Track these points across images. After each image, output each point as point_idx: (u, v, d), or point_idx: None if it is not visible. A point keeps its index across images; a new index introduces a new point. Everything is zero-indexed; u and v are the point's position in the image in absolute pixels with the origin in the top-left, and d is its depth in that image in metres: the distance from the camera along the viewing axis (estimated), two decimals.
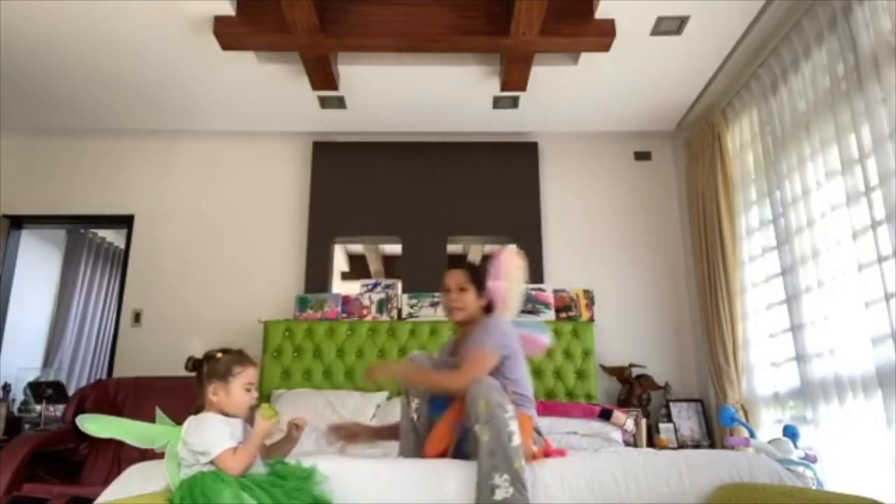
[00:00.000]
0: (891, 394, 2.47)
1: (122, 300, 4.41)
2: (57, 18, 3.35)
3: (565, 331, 4.04)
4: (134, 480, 1.84)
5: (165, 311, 4.33)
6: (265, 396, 3.76)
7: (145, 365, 4.05)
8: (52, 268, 5.97)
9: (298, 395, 3.77)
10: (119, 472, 2.05)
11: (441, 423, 2.16)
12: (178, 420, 1.82)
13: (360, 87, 4.04)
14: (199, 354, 1.90)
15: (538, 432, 2.20)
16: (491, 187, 4.52)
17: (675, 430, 3.91)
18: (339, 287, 4.56)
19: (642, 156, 4.67)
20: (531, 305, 4.07)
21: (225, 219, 4.52)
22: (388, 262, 6.00)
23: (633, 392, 3.97)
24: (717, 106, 4.09)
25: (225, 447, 1.72)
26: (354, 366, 3.99)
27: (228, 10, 3.31)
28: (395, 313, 4.18)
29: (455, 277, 2.41)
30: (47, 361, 5.71)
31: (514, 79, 3.84)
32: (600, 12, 3.32)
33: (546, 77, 3.90)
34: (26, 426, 4.42)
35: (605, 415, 3.56)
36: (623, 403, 3.94)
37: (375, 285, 4.27)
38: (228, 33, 3.38)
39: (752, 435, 3.26)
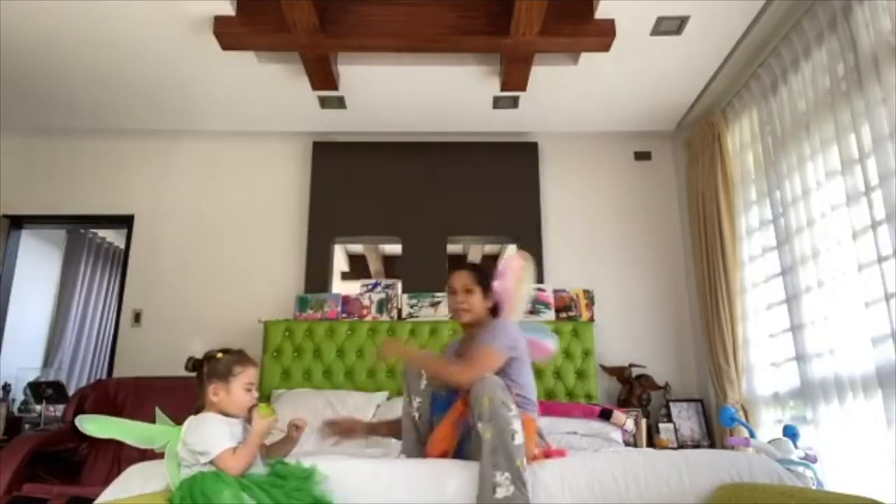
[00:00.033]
0: (891, 394, 2.47)
1: (122, 300, 4.41)
2: (57, 18, 3.35)
3: (565, 331, 4.04)
4: (134, 480, 1.84)
5: (165, 311, 4.33)
6: (265, 396, 3.76)
7: (145, 365, 4.05)
8: (52, 268, 5.96)
9: (298, 395, 3.77)
10: (119, 472, 2.05)
11: (443, 423, 2.17)
12: (178, 420, 1.82)
13: (360, 87, 4.04)
14: (199, 354, 1.91)
15: (541, 436, 2.20)
16: (491, 187, 4.52)
17: (675, 430, 3.91)
18: (339, 287, 4.56)
19: (642, 156, 4.67)
20: (531, 305, 4.07)
21: (225, 219, 4.52)
22: (388, 262, 6.00)
23: (633, 392, 3.97)
24: (717, 106, 4.09)
25: (225, 447, 1.72)
26: (354, 366, 3.99)
27: (228, 10, 3.31)
28: (395, 313, 4.18)
29: (461, 279, 2.41)
30: (47, 361, 5.71)
31: (514, 79, 3.84)
32: (600, 12, 3.32)
33: (546, 77, 3.90)
34: (26, 426, 4.42)
35: (605, 415, 3.56)
36: (623, 403, 3.94)
37: (375, 285, 4.27)
38: (228, 33, 3.38)
39: (752, 435, 3.26)
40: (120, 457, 3.44)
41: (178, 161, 4.64)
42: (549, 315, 4.10)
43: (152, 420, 1.84)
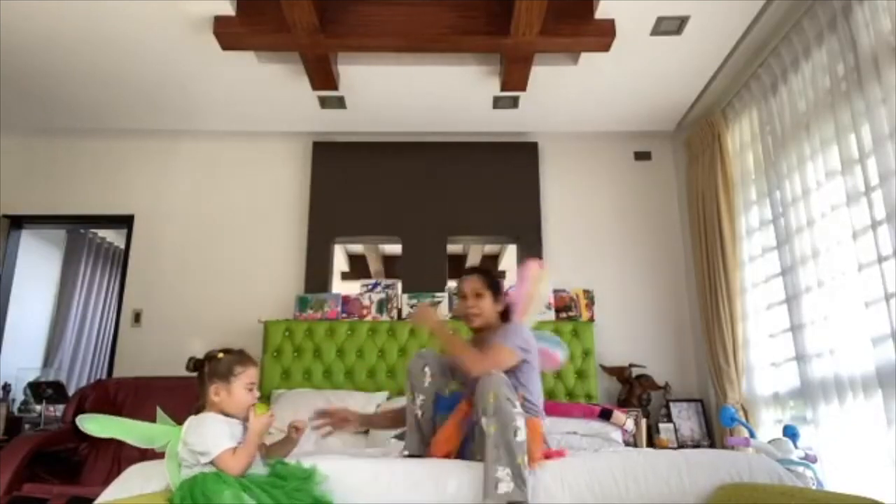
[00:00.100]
0: (891, 394, 2.47)
1: (122, 300, 4.41)
2: (57, 18, 3.34)
3: (565, 331, 4.04)
4: (134, 480, 1.84)
5: (165, 311, 4.33)
6: (265, 396, 3.76)
7: (145, 365, 4.05)
8: (52, 268, 5.96)
9: (298, 395, 3.77)
10: (119, 472, 2.05)
11: (447, 425, 2.17)
12: (179, 420, 1.82)
13: (360, 87, 4.03)
14: (199, 354, 1.91)
15: (545, 442, 2.21)
16: (491, 187, 4.51)
17: (675, 430, 3.91)
18: (339, 287, 4.56)
19: (642, 156, 4.67)
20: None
21: (225, 219, 4.52)
22: (388, 262, 6.00)
23: (633, 392, 3.97)
24: (717, 106, 4.09)
25: (225, 447, 1.72)
26: (354, 366, 3.99)
27: (228, 10, 3.31)
28: (395, 313, 4.18)
29: (471, 283, 2.41)
30: (47, 361, 5.71)
31: (514, 79, 3.84)
32: (600, 12, 3.32)
33: (546, 77, 3.90)
34: (26, 426, 4.42)
35: (605, 415, 3.56)
36: (623, 403, 3.94)
37: (375, 285, 4.27)
38: (228, 33, 3.38)
39: (752, 435, 3.26)
40: (120, 457, 3.44)
41: (178, 161, 4.64)
42: (549, 315, 4.10)
43: (153, 420, 1.84)
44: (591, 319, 4.15)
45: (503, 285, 2.48)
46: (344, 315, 4.14)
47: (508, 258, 5.57)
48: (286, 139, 4.65)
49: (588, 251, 4.45)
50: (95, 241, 6.27)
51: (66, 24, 3.39)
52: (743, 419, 3.45)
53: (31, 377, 4.79)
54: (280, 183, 4.59)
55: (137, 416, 1.92)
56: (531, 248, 4.34)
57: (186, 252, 4.45)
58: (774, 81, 3.43)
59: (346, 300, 4.19)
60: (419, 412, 2.27)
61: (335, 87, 3.94)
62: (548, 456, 2.07)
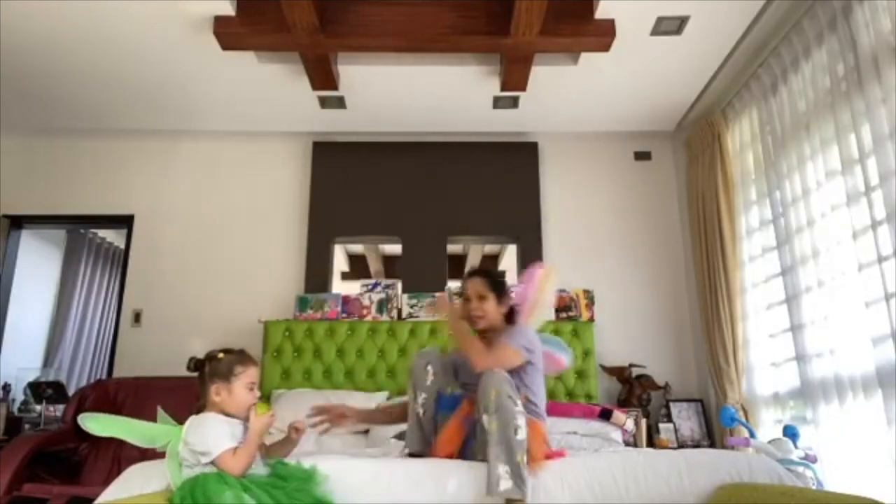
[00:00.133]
0: (891, 394, 2.47)
1: (122, 300, 4.41)
2: (57, 18, 3.34)
3: (565, 331, 4.04)
4: (134, 480, 1.84)
5: (165, 311, 4.33)
6: (265, 396, 3.76)
7: (145, 365, 4.05)
8: (52, 268, 5.96)
9: (298, 395, 3.76)
10: (119, 472, 2.05)
11: (449, 425, 2.17)
12: (179, 420, 1.83)
13: (360, 87, 4.04)
14: (199, 354, 1.91)
15: (546, 443, 2.20)
16: (491, 187, 4.51)
17: (675, 430, 3.91)
18: (339, 287, 4.56)
19: (642, 156, 4.67)
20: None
21: (225, 219, 4.52)
22: (388, 262, 6.01)
23: (633, 392, 3.97)
24: (717, 106, 4.09)
25: (225, 447, 1.73)
26: (354, 366, 3.99)
27: (228, 10, 3.32)
28: (395, 313, 4.18)
29: (474, 286, 2.40)
30: (47, 361, 5.71)
31: (514, 79, 3.84)
32: (600, 12, 3.32)
33: (546, 77, 3.90)
34: (26, 426, 4.42)
35: (605, 415, 3.56)
36: (623, 403, 3.94)
37: (375, 285, 4.27)
38: (228, 33, 3.38)
39: (752, 435, 3.26)
40: (120, 457, 3.44)
41: (178, 161, 4.64)
42: (550, 315, 4.09)
43: (153, 420, 1.84)
44: (591, 319, 4.15)
45: (507, 287, 2.47)
46: (344, 315, 4.14)
47: (508, 258, 5.57)
48: (286, 139, 4.65)
49: (588, 251, 4.45)
50: (95, 241, 6.27)
51: (66, 24, 3.39)
52: (743, 419, 3.45)
53: (31, 377, 4.79)
54: (280, 183, 4.59)
55: (138, 416, 1.92)
56: (531, 248, 4.34)
57: (186, 252, 4.45)
58: (774, 81, 3.43)
59: (346, 300, 4.19)
60: (421, 410, 2.27)
61: (335, 87, 3.94)
62: (548, 456, 2.07)
